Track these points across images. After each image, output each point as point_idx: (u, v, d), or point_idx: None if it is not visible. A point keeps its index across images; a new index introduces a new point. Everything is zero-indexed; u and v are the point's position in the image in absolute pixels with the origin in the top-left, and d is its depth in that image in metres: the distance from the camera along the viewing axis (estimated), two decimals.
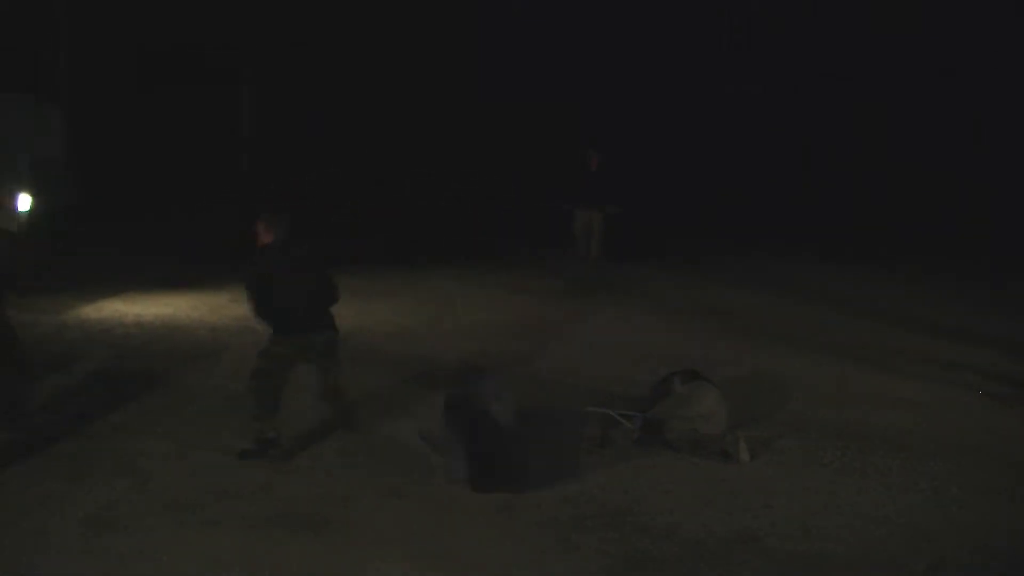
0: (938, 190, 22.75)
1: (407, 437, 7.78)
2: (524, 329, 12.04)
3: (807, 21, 25.99)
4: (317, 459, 7.32)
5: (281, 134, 25.16)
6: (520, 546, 5.97)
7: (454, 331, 11.85)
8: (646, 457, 7.52)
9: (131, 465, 6.98)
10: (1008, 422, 9.00)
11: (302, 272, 7.47)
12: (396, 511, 6.39)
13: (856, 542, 6.21)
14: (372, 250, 16.70)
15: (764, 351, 11.18)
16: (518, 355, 10.77)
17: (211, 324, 11.56)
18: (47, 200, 14.51)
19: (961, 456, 7.89)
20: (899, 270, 17.46)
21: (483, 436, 6.87)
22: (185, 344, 10.62)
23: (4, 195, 8.35)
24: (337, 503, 6.52)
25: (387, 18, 25.39)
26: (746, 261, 18.05)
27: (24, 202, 12.91)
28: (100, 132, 21.08)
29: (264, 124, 25.71)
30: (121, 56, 22.89)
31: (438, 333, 11.71)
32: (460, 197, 23.72)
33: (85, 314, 11.76)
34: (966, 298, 15.07)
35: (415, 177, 24.65)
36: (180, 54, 23.76)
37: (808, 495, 6.95)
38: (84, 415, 8.00)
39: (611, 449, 7.68)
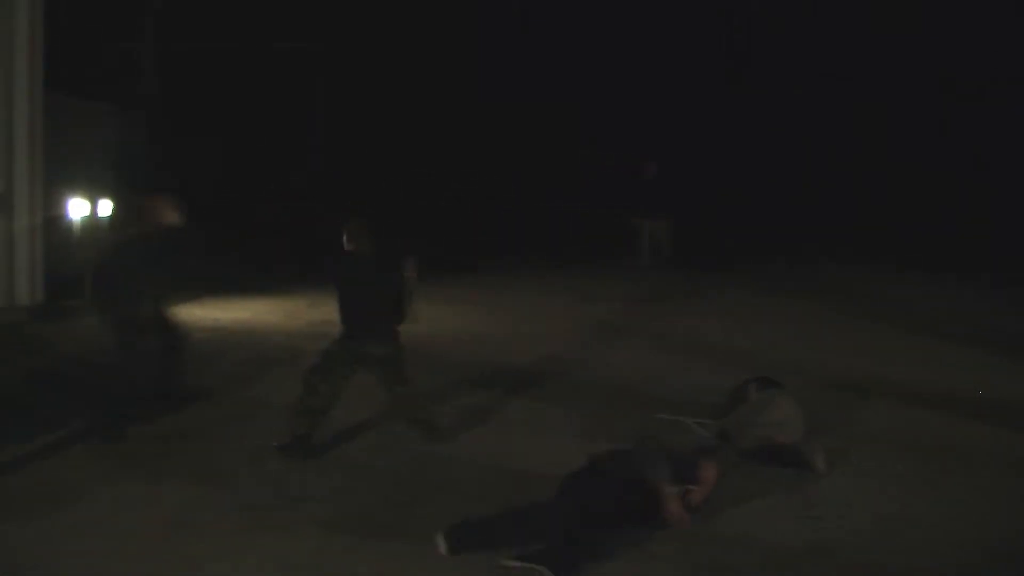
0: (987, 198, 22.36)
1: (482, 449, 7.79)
2: (596, 335, 12.01)
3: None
4: (389, 466, 7.35)
5: (355, 135, 25.39)
6: (594, 552, 5.93)
7: (527, 336, 11.86)
8: (720, 465, 7.44)
9: (207, 469, 7.08)
10: None
11: (370, 284, 7.52)
12: (467, 517, 6.37)
13: (933, 557, 6.06)
14: (437, 255, 16.76)
15: (840, 359, 11.04)
16: (591, 361, 10.75)
17: (287, 329, 11.69)
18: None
19: None
20: (982, 279, 17.14)
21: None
22: (261, 349, 10.75)
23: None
24: (407, 510, 6.54)
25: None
26: (811, 267, 17.91)
27: (106, 207, 13.17)
28: (183, 138, 21.45)
29: (337, 125, 25.95)
30: (200, 61, 23.25)
31: (510, 339, 11.72)
32: (521, 204, 23.80)
33: None
34: None
35: (475, 183, 24.77)
36: (255, 57, 24.08)
37: (884, 507, 6.82)
38: (161, 419, 8.12)
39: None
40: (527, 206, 23.88)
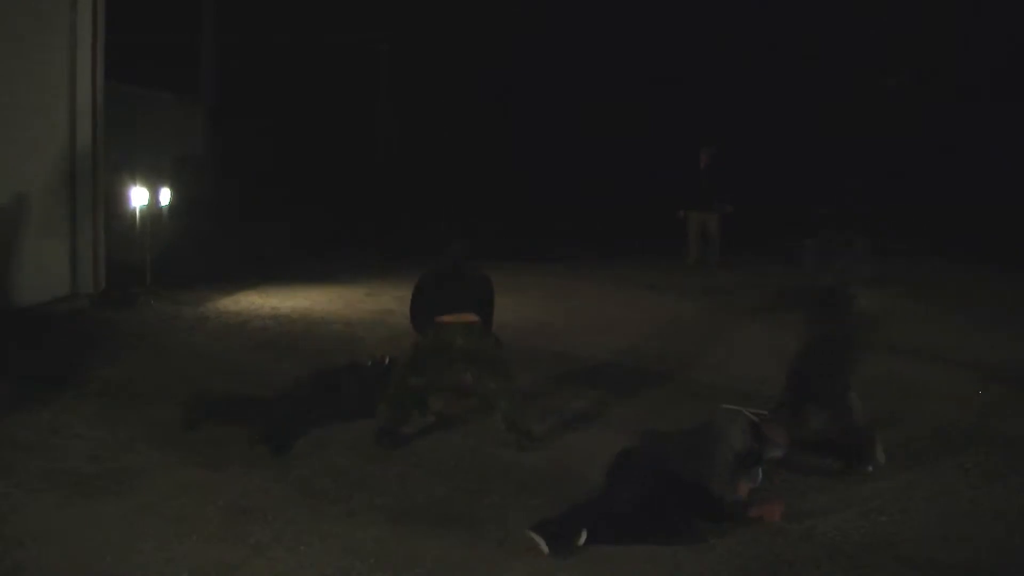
0: None
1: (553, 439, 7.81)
2: (660, 327, 11.98)
3: None
4: (451, 455, 7.39)
5: (417, 127, 25.52)
6: (646, 538, 5.93)
7: (591, 327, 11.85)
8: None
9: (269, 455, 7.14)
10: None
11: (455, 304, 7.61)
12: (527, 510, 6.39)
13: (997, 551, 5.99)
14: (498, 247, 16.80)
15: (903, 352, 10.88)
16: (657, 353, 10.73)
17: (346, 318, 11.77)
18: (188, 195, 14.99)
19: None
20: None
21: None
22: (320, 337, 10.82)
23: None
24: (471, 499, 6.57)
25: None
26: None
27: (165, 196, 13.32)
28: (241, 128, 21.67)
29: (400, 117, 26.08)
30: (261, 53, 23.46)
31: (576, 329, 11.72)
32: (583, 197, 23.77)
33: (223, 306, 12.09)
34: None
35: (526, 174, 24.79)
36: (315, 50, 24.26)
37: (947, 500, 6.75)
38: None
39: None
40: (579, 197, 23.85)
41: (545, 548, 5.72)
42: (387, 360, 8.62)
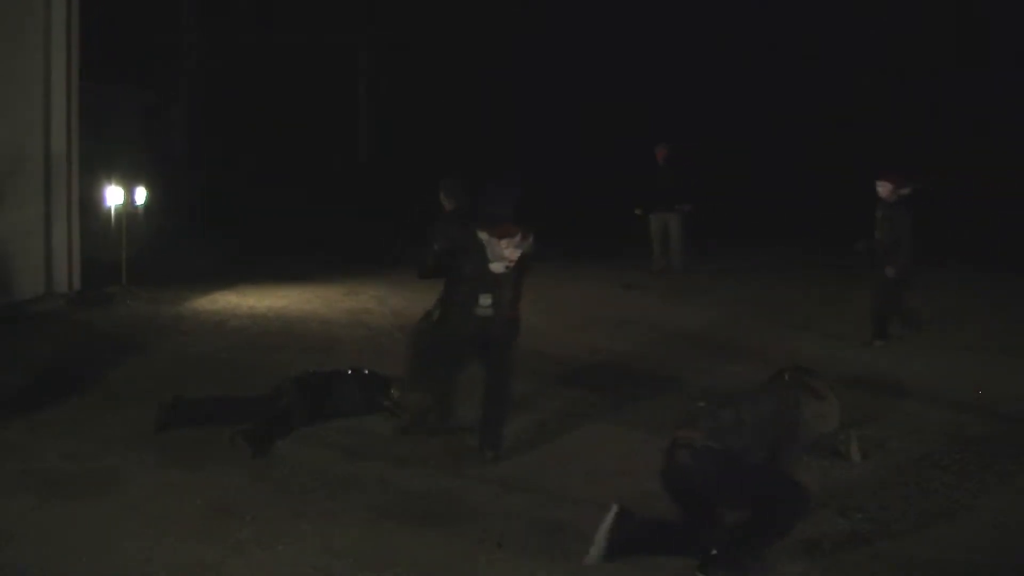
0: None
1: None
2: (632, 325, 12.00)
3: None
4: (431, 455, 7.37)
5: (400, 126, 25.43)
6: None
7: (571, 326, 11.84)
8: None
9: (248, 456, 7.11)
10: None
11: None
12: (506, 507, 6.41)
13: (975, 549, 6.02)
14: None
15: (880, 350, 10.93)
16: (627, 352, 10.75)
17: (324, 317, 11.76)
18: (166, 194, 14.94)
19: None
20: None
21: None
22: (297, 336, 10.81)
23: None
24: (449, 497, 6.57)
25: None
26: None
27: (141, 195, 13.28)
28: (220, 127, 21.58)
29: (382, 115, 26.01)
30: (239, 53, 23.38)
31: (557, 328, 11.69)
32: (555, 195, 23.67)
33: (200, 306, 12.06)
34: None
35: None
36: (297, 49, 24.17)
37: (925, 498, 6.79)
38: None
39: None
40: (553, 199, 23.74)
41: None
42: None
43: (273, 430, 7.46)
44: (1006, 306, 13.58)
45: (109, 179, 12.93)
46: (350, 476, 6.86)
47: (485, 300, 7.13)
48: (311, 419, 7.78)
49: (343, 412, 7.98)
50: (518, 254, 7.06)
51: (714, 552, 5.42)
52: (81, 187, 12.40)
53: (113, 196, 12.77)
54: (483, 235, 7.07)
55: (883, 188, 10.97)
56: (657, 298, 13.79)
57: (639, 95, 25.84)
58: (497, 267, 7.05)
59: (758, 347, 10.89)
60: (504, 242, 7.00)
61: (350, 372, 8.44)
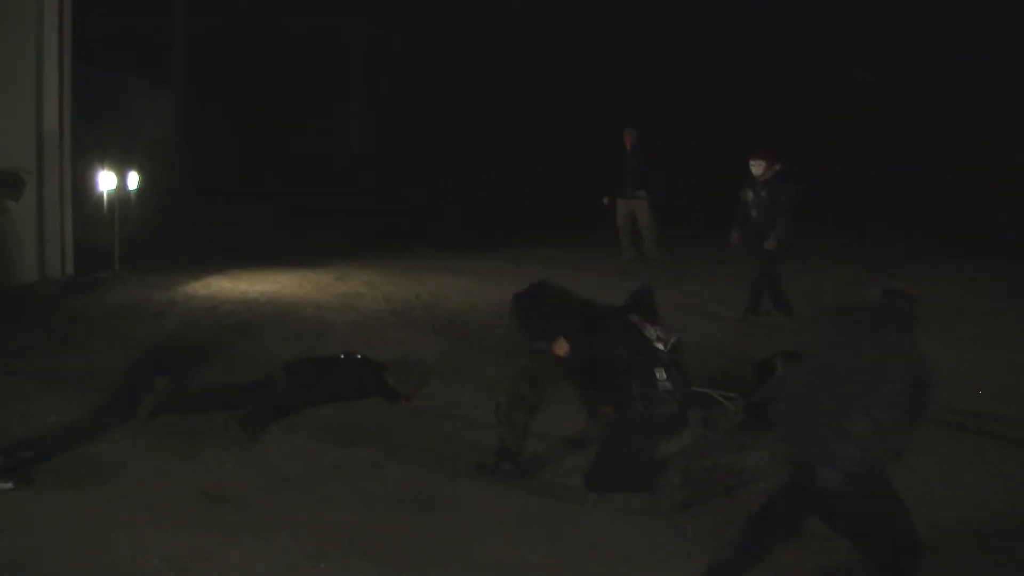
0: None
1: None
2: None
3: None
4: (424, 441, 7.38)
5: (391, 116, 25.36)
6: (633, 529, 5.92)
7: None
8: (749, 439, 7.41)
9: (241, 442, 7.10)
10: None
11: None
12: (500, 493, 6.40)
13: (973, 536, 6.04)
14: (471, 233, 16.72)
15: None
16: None
17: (317, 302, 11.72)
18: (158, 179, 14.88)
19: None
20: None
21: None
22: (290, 322, 10.78)
23: None
24: (443, 483, 6.57)
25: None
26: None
27: (134, 180, 13.23)
28: (212, 114, 21.49)
29: (373, 105, 25.94)
30: (233, 40, 23.28)
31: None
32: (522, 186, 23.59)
33: (193, 290, 12.01)
34: None
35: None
36: (288, 35, 24.07)
37: (922, 487, 6.75)
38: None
39: (715, 431, 7.59)
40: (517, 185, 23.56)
41: None
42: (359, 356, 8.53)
43: (267, 415, 7.44)
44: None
45: (102, 164, 12.87)
46: (343, 462, 6.85)
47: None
48: (304, 404, 7.76)
49: (337, 397, 7.97)
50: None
51: None
52: (74, 172, 12.34)
53: (105, 181, 12.72)
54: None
55: (757, 167, 11.25)
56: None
57: (639, 95, 25.77)
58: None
59: (749, 331, 10.89)
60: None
61: (343, 357, 8.43)
